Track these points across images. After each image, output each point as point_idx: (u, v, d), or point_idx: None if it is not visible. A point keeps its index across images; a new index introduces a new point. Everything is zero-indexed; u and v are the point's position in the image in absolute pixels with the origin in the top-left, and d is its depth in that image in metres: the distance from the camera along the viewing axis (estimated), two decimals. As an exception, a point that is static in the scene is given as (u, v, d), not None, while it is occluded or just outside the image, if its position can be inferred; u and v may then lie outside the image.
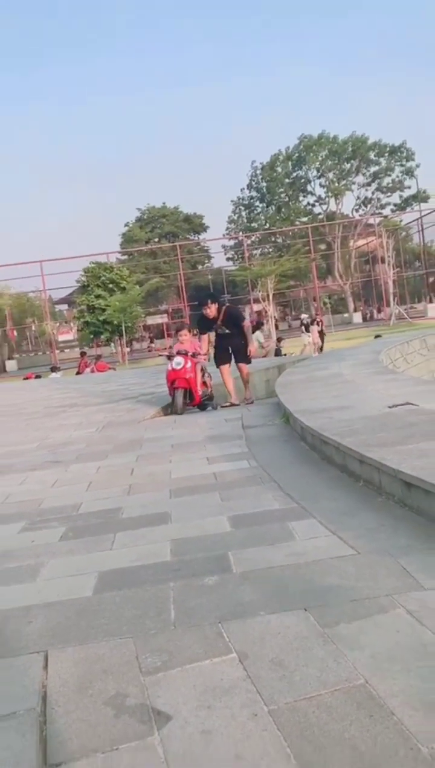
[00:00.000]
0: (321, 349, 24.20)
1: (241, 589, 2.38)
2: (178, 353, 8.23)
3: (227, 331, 8.79)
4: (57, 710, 1.74)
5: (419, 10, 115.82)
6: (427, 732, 1.49)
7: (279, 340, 22.76)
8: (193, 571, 2.61)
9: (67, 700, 1.78)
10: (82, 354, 28.29)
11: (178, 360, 8.16)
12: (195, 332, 9.42)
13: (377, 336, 22.44)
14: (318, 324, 25.68)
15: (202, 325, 9.08)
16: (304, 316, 31.92)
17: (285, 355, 17.70)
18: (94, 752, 1.56)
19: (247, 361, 8.91)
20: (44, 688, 1.84)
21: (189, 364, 8.15)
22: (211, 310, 8.70)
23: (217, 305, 8.81)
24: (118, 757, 1.53)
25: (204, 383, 8.69)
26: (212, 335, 9.08)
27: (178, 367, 8.12)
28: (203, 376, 8.73)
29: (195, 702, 1.71)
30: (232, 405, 8.45)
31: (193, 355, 8.34)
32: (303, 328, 26.15)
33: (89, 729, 1.65)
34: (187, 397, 8.18)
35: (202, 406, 8.68)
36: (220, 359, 8.88)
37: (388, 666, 1.77)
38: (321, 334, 25.18)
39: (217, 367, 8.92)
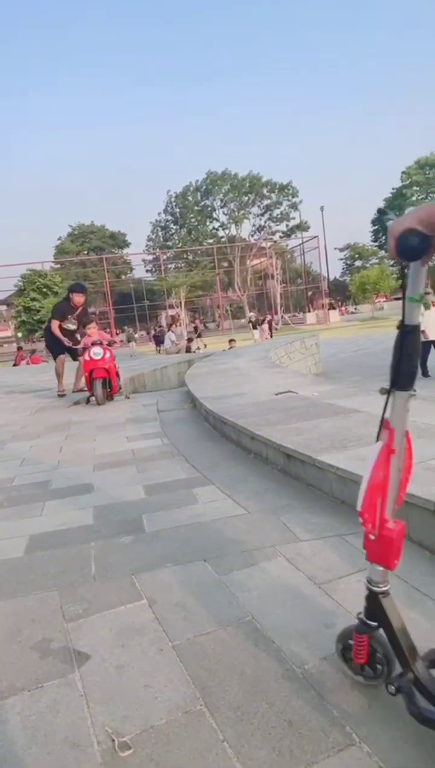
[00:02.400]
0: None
1: (152, 545, 2.35)
2: (94, 344, 6.93)
3: (73, 327, 7.67)
4: (-12, 657, 1.64)
5: (309, 67, 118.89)
6: (300, 655, 1.53)
7: (189, 340, 22.21)
8: (111, 532, 2.55)
9: (-3, 647, 1.69)
10: (19, 348, 27.04)
11: (97, 350, 6.88)
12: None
13: (232, 340, 20.20)
14: (268, 322, 24.43)
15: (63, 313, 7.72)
16: (251, 314, 30.13)
17: (194, 352, 17.60)
18: (21, 690, 1.49)
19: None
20: (-23, 638, 1.73)
21: (108, 354, 6.94)
22: (78, 299, 7.63)
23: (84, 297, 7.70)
24: (43, 693, 1.47)
25: (116, 373, 7.38)
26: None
27: (97, 357, 6.85)
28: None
29: (111, 642, 1.66)
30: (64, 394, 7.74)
31: (110, 344, 7.13)
32: (251, 325, 24.62)
33: (18, 671, 1.57)
34: (106, 387, 7.04)
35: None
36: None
37: (270, 604, 1.79)
38: (271, 329, 24.14)
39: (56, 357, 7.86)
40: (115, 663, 1.57)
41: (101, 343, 7.01)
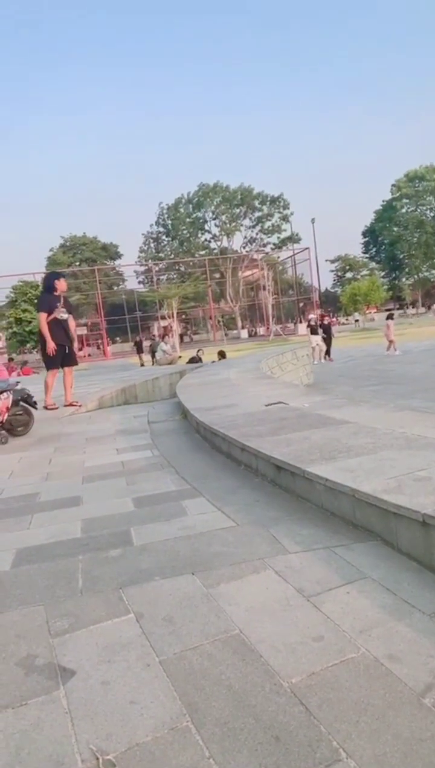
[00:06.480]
0: (328, 353, 19.26)
1: (140, 558, 2.33)
2: None
3: (66, 316, 7.14)
4: (-29, 674, 1.61)
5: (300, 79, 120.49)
6: (288, 669, 1.51)
7: (199, 350, 21.31)
8: (99, 545, 2.53)
9: (-19, 664, 1.66)
10: (10, 360, 26.97)
11: None
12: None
13: (221, 352, 18.14)
14: (322, 327, 20.05)
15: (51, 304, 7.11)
16: (311, 316, 23.65)
17: (200, 360, 17.30)
18: (5, 708, 1.46)
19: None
20: (-40, 654, 1.70)
21: None
22: (62, 285, 7.23)
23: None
24: (27, 711, 1.45)
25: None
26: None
27: None
28: None
29: (96, 658, 1.64)
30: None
31: None
32: (309, 330, 20.05)
33: (1, 688, 1.55)
34: None
35: None
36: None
37: (258, 617, 1.78)
38: (328, 337, 19.81)
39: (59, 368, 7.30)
40: (101, 679, 1.55)
41: None
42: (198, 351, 20.18)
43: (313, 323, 20.20)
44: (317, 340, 19.09)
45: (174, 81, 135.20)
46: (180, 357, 19.90)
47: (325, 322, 20.75)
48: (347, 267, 77.49)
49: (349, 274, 75.60)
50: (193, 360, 17.65)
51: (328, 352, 19.53)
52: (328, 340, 19.67)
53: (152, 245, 69.66)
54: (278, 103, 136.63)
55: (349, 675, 1.47)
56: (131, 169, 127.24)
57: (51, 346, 7.12)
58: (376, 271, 71.24)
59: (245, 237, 66.35)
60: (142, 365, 22.25)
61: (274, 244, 65.90)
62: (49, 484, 3.82)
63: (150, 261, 64.28)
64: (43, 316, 7.13)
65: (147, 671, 1.56)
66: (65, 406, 7.51)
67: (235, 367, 10.23)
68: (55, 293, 7.26)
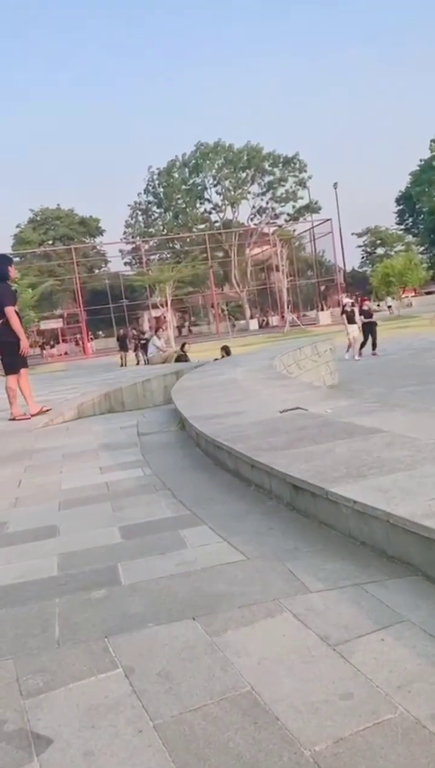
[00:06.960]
0: (365, 345, 19.21)
1: (130, 600, 2.34)
2: None
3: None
4: None
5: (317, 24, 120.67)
6: (310, 734, 1.51)
7: (183, 345, 21.35)
8: (80, 585, 2.54)
9: None
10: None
11: None
12: None
13: (224, 347, 17.91)
14: (362, 313, 19.72)
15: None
16: (347, 301, 22.79)
17: (186, 357, 17.44)
18: (-33, 786, 1.47)
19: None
20: None
21: None
22: (14, 272, 7.59)
23: None
24: (-6, 789, 1.46)
25: None
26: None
27: None
28: None
29: (78, 722, 1.65)
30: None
31: None
32: (344, 317, 19.58)
33: (-38, 761, 1.56)
34: None
35: None
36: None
37: (274, 671, 1.79)
38: (366, 325, 19.44)
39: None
40: (83, 748, 1.55)
41: None
42: (182, 346, 20.02)
43: (349, 309, 19.84)
44: (354, 330, 19.00)
45: (163, 21, 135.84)
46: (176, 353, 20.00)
47: (365, 307, 20.53)
48: (378, 241, 77.60)
49: (380, 250, 75.70)
50: (180, 358, 17.64)
51: (373, 345, 19.41)
52: (371, 329, 19.46)
53: (140, 218, 69.88)
54: (291, 46, 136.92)
55: (384, 740, 1.47)
56: (114, 128, 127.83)
57: (26, 343, 7.42)
58: (413, 246, 71.25)
59: (253, 207, 66.46)
60: (124, 365, 22.18)
61: (288, 214, 65.99)
62: (19, 511, 3.84)
63: (138, 238, 64.56)
64: (12, 310, 7.26)
65: (139, 738, 1.56)
66: (33, 415, 7.56)
67: (243, 365, 10.25)
68: (8, 282, 7.46)
